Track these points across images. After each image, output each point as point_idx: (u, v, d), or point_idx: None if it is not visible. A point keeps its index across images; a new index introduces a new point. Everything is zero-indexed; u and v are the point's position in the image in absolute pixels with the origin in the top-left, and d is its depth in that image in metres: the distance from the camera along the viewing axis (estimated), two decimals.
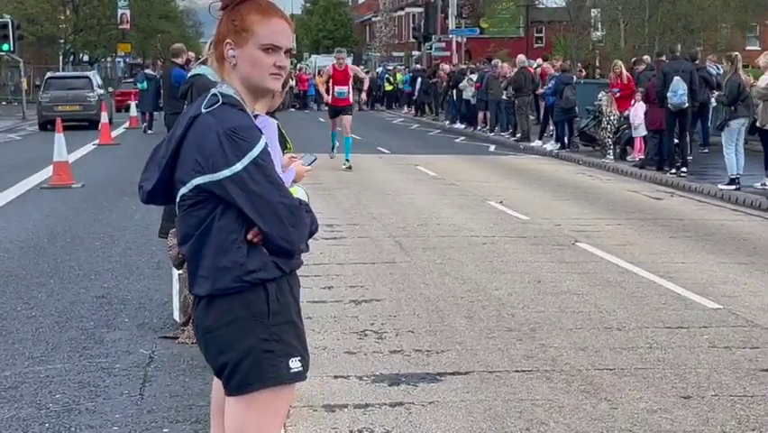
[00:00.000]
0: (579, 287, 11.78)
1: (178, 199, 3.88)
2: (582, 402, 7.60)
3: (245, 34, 3.97)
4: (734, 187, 20.27)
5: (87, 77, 55.96)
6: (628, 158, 26.16)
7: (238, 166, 3.72)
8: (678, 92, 23.56)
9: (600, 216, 18.15)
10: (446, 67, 49.77)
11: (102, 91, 50.16)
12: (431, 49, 62.99)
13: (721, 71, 24.39)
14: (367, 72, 50.58)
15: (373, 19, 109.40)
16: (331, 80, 19.36)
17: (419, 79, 55.26)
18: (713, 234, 16.15)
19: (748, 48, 49.81)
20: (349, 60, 21.54)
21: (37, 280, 12.24)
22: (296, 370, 3.87)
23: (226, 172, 3.70)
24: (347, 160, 20.72)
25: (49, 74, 53.85)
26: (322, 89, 21.15)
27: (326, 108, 62.97)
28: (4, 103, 56.70)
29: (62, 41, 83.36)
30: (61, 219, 17.46)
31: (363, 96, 28.25)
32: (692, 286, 11.70)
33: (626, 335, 9.62)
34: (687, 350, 9.05)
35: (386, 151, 32.81)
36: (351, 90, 19.41)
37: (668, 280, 12.01)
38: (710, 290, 11.48)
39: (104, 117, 36.80)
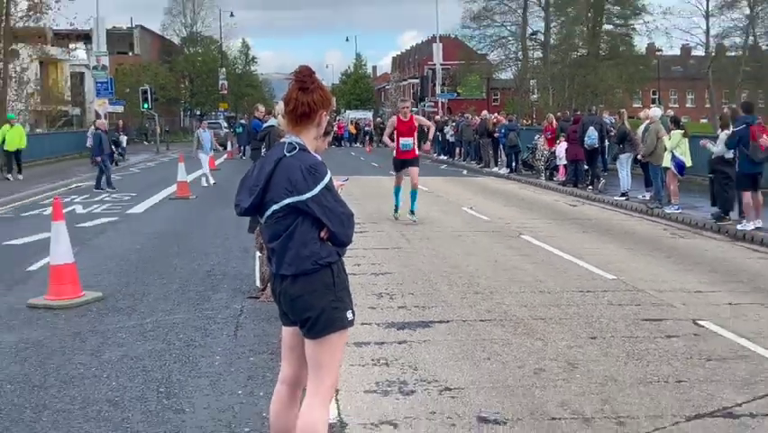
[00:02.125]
0: (522, 264, 11.75)
1: (269, 213, 3.98)
2: (524, 341, 7.59)
3: (327, 107, 4.12)
4: (624, 198, 20.25)
5: (219, 122, 58.80)
6: (554, 179, 26.14)
7: (316, 190, 3.84)
8: (591, 136, 23.55)
9: (536, 217, 18.00)
10: (436, 117, 49.74)
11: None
12: (425, 106, 62.84)
13: (614, 121, 24.36)
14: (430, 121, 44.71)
15: (386, 87, 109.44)
16: (395, 132, 14.65)
17: (426, 128, 54.08)
18: (610, 229, 16.08)
19: (634, 106, 49.63)
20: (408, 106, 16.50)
21: (167, 259, 12.31)
22: (350, 319, 4.07)
23: (309, 195, 3.84)
24: (412, 212, 15.82)
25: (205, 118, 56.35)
26: (387, 140, 16.29)
27: (358, 145, 63.00)
28: (145, 143, 56.63)
29: (182, 101, 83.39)
30: (183, 219, 17.53)
31: (427, 144, 19.25)
32: (596, 264, 11.66)
33: (552, 296, 9.60)
34: (592, 306, 9.05)
35: (393, 174, 31.34)
36: (416, 142, 14.77)
37: (580, 260, 11.99)
38: (609, 266, 11.44)
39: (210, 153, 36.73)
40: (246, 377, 6.45)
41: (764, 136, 14.27)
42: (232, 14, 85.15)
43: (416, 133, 14.66)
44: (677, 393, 6.12)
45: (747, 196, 14.77)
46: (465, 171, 35.72)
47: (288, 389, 4.24)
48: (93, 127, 29.40)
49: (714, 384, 6.32)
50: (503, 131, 32.53)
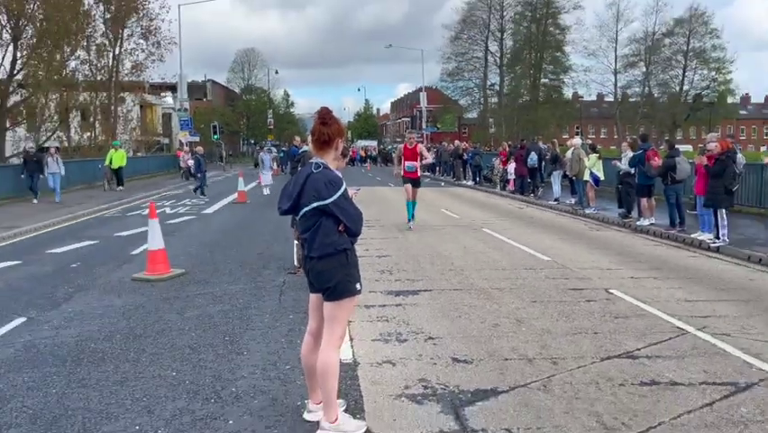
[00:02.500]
0: (483, 249, 11.72)
1: (302, 213, 4.04)
2: (485, 304, 7.58)
3: (342, 136, 4.15)
4: (556, 202, 20.18)
5: (272, 148, 57.50)
6: (506, 189, 26.02)
7: (335, 197, 3.88)
8: (532, 158, 23.55)
9: (493, 216, 17.79)
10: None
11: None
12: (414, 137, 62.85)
13: (548, 148, 24.32)
14: (392, 149, 43.75)
15: (387, 123, 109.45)
16: (402, 157, 14.55)
17: None
18: (547, 224, 15.97)
19: (563, 136, 49.77)
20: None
21: (230, 246, 12.28)
22: (358, 289, 4.10)
23: (330, 200, 3.89)
24: (410, 219, 15.09)
25: (264, 145, 55.25)
26: (396, 162, 15.96)
27: (367, 165, 63.41)
28: (219, 162, 56.49)
29: (241, 133, 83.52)
30: (241, 218, 17.48)
31: (417, 167, 14.17)
32: (536, 248, 11.61)
33: (504, 272, 9.55)
34: (533, 279, 9.03)
35: (391, 185, 31.07)
36: (419, 166, 14.43)
37: (525, 246, 11.93)
38: (545, 251, 11.41)
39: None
40: (287, 330, 6.47)
41: (656, 159, 14.43)
42: (276, 72, 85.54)
43: (419, 159, 14.30)
44: (594, 341, 6.14)
45: (644, 201, 14.91)
46: (443, 183, 35.28)
47: (313, 338, 4.30)
48: (192, 153, 29.50)
49: (620, 335, 6.34)
50: (470, 155, 32.86)
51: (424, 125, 59.69)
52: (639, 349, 5.87)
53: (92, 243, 12.79)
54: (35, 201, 20.20)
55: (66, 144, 35.76)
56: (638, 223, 14.74)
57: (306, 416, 4.40)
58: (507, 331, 6.47)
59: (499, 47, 55.70)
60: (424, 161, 15.58)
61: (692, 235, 12.52)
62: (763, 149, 65.51)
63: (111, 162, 25.52)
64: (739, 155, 14.61)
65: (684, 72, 50.49)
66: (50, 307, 7.61)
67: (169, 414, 4.54)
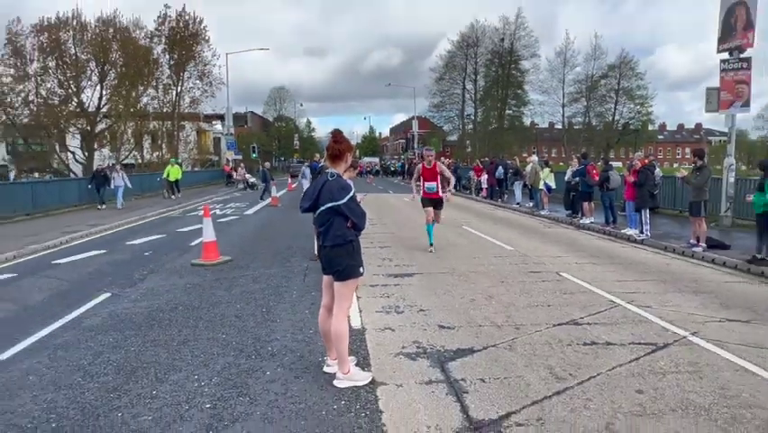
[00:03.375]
0: (462, 243, 11.67)
1: (319, 211, 4.04)
2: (463, 284, 7.57)
3: (351, 151, 4.18)
4: (518, 206, 20.04)
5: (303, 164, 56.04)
6: (480, 195, 25.85)
7: (345, 199, 3.87)
8: (500, 172, 23.51)
9: (470, 216, 17.58)
10: (414, 162, 49.32)
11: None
12: (408, 154, 62.43)
13: (512, 163, 24.21)
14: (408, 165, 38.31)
15: (386, 144, 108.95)
16: (421, 177, 11.25)
17: (405, 165, 54.28)
18: (511, 222, 15.85)
19: (523, 155, 49.43)
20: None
21: (265, 239, 12.23)
22: (362, 272, 4.06)
23: (341, 201, 3.88)
24: (431, 243, 11.06)
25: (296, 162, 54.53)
26: (413, 186, 12.11)
27: (371, 176, 63.14)
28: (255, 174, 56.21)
29: (273, 153, 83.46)
30: (274, 218, 17.38)
31: (447, 193, 10.83)
32: (503, 240, 11.56)
33: (479, 260, 9.51)
34: (500, 265, 8.99)
35: (391, 191, 30.78)
36: (440, 185, 10.99)
37: (494, 239, 11.89)
38: (510, 242, 11.37)
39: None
40: (310, 303, 6.46)
41: (594, 172, 14.45)
42: (301, 104, 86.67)
43: (438, 178, 10.98)
44: (548, 312, 6.13)
45: (586, 204, 14.86)
46: None
47: (326, 310, 4.31)
48: (261, 167, 29.24)
49: (568, 307, 6.33)
50: (453, 169, 32.58)
51: (415, 145, 59.60)
52: (582, 318, 5.88)
53: (160, 236, 12.79)
54: (100, 207, 19.57)
55: (140, 161, 36.02)
56: (581, 221, 14.70)
57: (326, 369, 4.42)
58: (481, 304, 6.47)
59: (474, 86, 55.60)
60: (450, 186, 11.73)
61: (622, 231, 12.50)
62: (675, 165, 65.46)
63: (168, 175, 25.28)
64: (657, 169, 15.00)
65: (616, 106, 50.43)
66: (128, 285, 7.63)
67: (220, 367, 4.56)
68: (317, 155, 23.26)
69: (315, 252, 9.92)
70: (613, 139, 50.57)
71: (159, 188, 26.56)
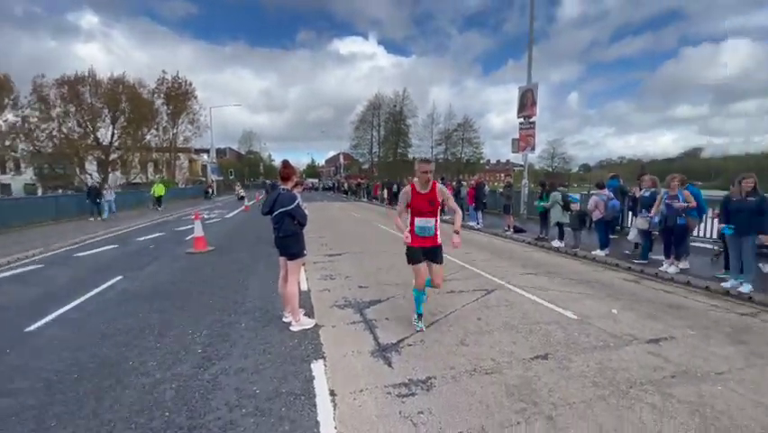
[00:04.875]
0: (374, 233, 11.47)
1: (274, 214, 3.87)
2: (374, 259, 7.44)
3: (295, 174, 3.95)
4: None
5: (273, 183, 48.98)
6: (384, 203, 25.32)
7: (293, 206, 3.72)
8: (395, 188, 23.16)
9: (373, 215, 16.70)
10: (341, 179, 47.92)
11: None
12: (338, 176, 61.34)
13: (402, 183, 24.04)
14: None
15: (322, 170, 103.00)
16: (410, 209, 3.01)
17: (335, 183, 52.35)
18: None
19: (409, 178, 50.20)
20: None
21: (240, 234, 11.41)
22: (305, 254, 3.92)
23: (290, 207, 3.73)
24: (419, 315, 3.56)
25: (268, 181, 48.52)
26: (400, 222, 3.23)
27: (311, 191, 60.46)
28: (237, 187, 51.84)
29: (245, 176, 78.11)
30: (246, 219, 16.22)
31: (456, 237, 2.35)
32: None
33: (383, 243, 9.35)
34: (398, 246, 8.90)
35: (326, 201, 28.84)
36: (438, 222, 2.98)
37: (389, 228, 11.96)
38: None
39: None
40: (272, 275, 6.11)
41: (449, 187, 14.84)
42: (265, 143, 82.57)
43: (438, 211, 3.48)
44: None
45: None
46: (345, 199, 33.19)
47: (283, 280, 4.13)
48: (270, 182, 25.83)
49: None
50: (364, 185, 32.26)
51: (342, 171, 59.01)
52: (446, 276, 5.95)
53: (161, 234, 11.56)
54: (92, 219, 15.49)
55: (145, 181, 32.72)
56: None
57: (284, 319, 4.27)
58: (385, 272, 6.47)
59: (378, 133, 56.32)
60: (457, 225, 3.67)
61: (468, 223, 13.06)
62: (496, 184, 69.86)
63: (154, 192, 21.67)
64: (486, 186, 15.49)
65: (462, 148, 53.68)
66: (137, 269, 6.81)
67: (208, 322, 4.24)
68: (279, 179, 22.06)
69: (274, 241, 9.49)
70: (461, 168, 53.43)
71: (147, 202, 22.82)
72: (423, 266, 3.70)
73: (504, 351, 3.55)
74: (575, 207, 8.13)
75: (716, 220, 6.54)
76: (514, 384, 3.01)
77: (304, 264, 4.72)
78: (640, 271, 6.11)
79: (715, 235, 6.98)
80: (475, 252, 8.31)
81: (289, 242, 3.93)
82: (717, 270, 5.76)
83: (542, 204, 8.65)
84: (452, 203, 3.63)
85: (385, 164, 53.63)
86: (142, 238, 10.76)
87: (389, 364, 3.32)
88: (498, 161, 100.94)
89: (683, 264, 5.96)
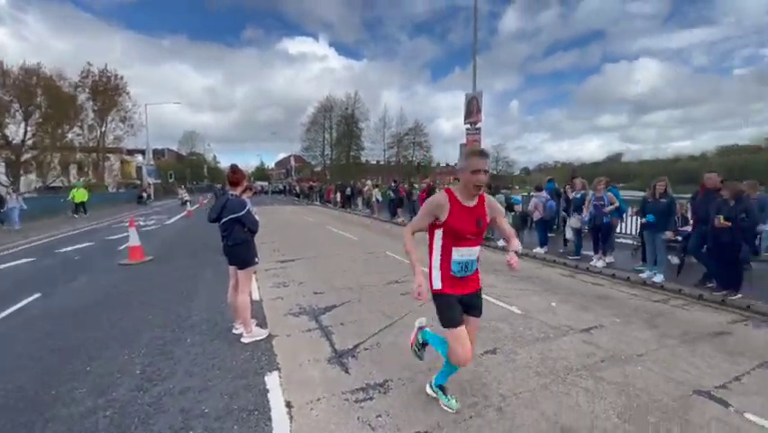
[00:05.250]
0: (327, 237, 11.38)
1: (222, 221, 3.72)
2: (328, 263, 7.37)
3: (245, 179, 3.83)
4: (360, 212, 20.29)
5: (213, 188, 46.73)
6: (337, 205, 25.33)
7: (243, 212, 3.59)
8: (348, 191, 23.14)
9: (327, 218, 16.49)
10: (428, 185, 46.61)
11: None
12: (291, 179, 59.79)
13: (355, 186, 24.05)
14: None
15: (272, 173, 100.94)
16: (442, 231, 1.52)
17: (286, 187, 51.63)
18: (357, 223, 15.29)
19: (363, 180, 50.30)
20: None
21: (182, 241, 10.64)
22: (257, 261, 3.78)
23: (240, 214, 3.60)
24: (441, 387, 2.12)
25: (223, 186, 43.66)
26: (412, 247, 1.71)
27: (260, 194, 56.80)
28: (179, 191, 48.13)
29: (187, 178, 73.11)
30: (188, 226, 15.18)
31: (513, 257, 1.29)
32: (351, 234, 11.28)
33: (336, 246, 9.32)
34: (350, 250, 8.86)
35: (276, 205, 27.70)
36: (479, 254, 1.55)
37: (346, 233, 11.72)
38: (356, 235, 11.23)
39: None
40: (221, 285, 5.82)
41: (401, 188, 15.36)
42: (209, 144, 77.14)
43: (483, 233, 1.93)
44: (380, 277, 6.22)
45: (399, 209, 15.60)
46: (296, 203, 32.43)
47: (233, 289, 3.99)
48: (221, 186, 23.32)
49: (391, 274, 6.47)
50: (317, 188, 31.78)
51: (293, 174, 57.59)
52: (399, 279, 6.08)
53: (89, 244, 10.43)
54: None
55: (66, 184, 28.97)
56: (396, 219, 15.36)
57: (234, 331, 4.09)
58: (339, 276, 6.43)
59: (330, 136, 55.85)
60: (515, 246, 2.07)
61: None
62: (448, 185, 72.51)
63: (74, 198, 18.63)
64: (437, 189, 16.38)
65: (413, 151, 55.11)
66: (61, 284, 6.08)
67: (148, 340, 3.91)
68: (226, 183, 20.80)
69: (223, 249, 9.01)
70: (412, 170, 54.69)
71: (60, 209, 19.77)
72: (464, 329, 2.25)
73: None
74: (518, 208, 8.70)
75: (635, 218, 7.40)
76: (466, 379, 3.12)
77: (255, 272, 4.53)
78: (575, 266, 6.68)
79: (635, 232, 7.62)
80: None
81: (239, 250, 3.78)
82: (636, 262, 6.43)
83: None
84: (506, 224, 2.24)
85: (338, 167, 53.20)
86: (66, 249, 9.64)
87: (347, 371, 3.31)
88: (448, 164, 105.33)
89: (609, 258, 6.65)
